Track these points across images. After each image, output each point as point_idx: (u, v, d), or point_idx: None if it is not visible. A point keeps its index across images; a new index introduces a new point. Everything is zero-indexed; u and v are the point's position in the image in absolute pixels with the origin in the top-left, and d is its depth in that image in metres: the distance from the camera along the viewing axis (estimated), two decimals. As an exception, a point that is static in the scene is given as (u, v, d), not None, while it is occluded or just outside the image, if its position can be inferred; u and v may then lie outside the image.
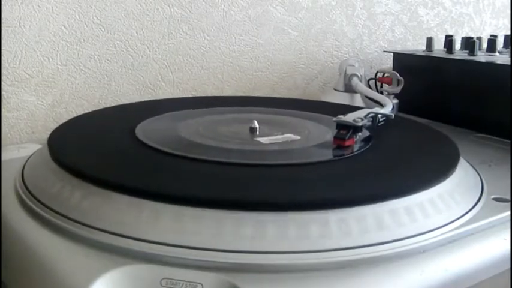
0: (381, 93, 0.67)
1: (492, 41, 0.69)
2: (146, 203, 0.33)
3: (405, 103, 0.68)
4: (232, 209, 0.32)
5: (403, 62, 0.72)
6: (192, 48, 0.70)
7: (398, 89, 0.65)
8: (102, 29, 0.63)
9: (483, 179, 0.43)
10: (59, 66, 0.62)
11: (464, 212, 0.37)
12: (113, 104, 0.65)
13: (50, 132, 0.46)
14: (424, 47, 0.74)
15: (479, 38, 0.69)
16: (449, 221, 0.35)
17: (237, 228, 0.31)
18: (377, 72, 0.76)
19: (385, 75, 0.70)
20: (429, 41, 0.73)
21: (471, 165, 0.46)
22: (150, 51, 0.67)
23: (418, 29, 0.93)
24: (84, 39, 0.62)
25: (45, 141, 0.44)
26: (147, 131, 0.47)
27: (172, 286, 0.28)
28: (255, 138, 0.47)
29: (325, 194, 0.35)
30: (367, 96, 0.67)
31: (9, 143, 0.59)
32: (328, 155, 0.43)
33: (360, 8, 0.84)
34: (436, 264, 0.32)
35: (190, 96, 0.71)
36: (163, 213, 0.32)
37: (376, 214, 0.33)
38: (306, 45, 0.80)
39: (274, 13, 0.76)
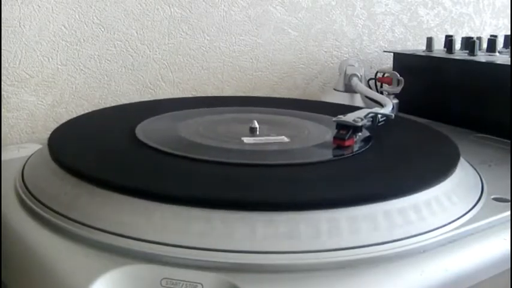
0: (381, 93, 0.67)
1: (492, 41, 0.69)
2: (146, 203, 0.33)
3: (405, 103, 0.68)
4: (232, 209, 0.32)
5: (403, 62, 0.72)
6: (192, 48, 0.70)
7: (398, 89, 0.65)
8: (102, 29, 0.63)
9: (483, 179, 0.43)
10: (59, 66, 0.62)
11: (464, 212, 0.37)
12: (113, 104, 0.65)
13: (50, 132, 0.46)
14: (424, 47, 0.74)
15: (479, 38, 0.69)
16: (449, 221, 0.35)
17: (237, 228, 0.31)
18: (377, 72, 0.76)
19: (385, 75, 0.70)
20: (429, 41, 0.73)
21: (471, 165, 0.46)
22: (150, 51, 0.67)
23: (418, 29, 0.93)
24: (84, 39, 0.62)
25: (45, 141, 0.44)
26: (147, 131, 0.47)
27: (172, 286, 0.28)
28: (241, 138, 0.46)
29: (325, 194, 0.35)
30: (367, 96, 0.67)
31: (9, 143, 0.59)
32: (328, 155, 0.43)
33: (360, 8, 0.84)
34: (436, 264, 0.32)
35: (190, 96, 0.71)
36: (163, 213, 0.32)
37: (376, 214, 0.33)
38: (306, 45, 0.80)
39: (274, 13, 0.76)
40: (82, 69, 0.63)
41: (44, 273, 0.31)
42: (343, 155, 0.43)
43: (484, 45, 0.70)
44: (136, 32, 0.66)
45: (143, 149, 0.42)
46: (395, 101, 0.66)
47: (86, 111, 0.59)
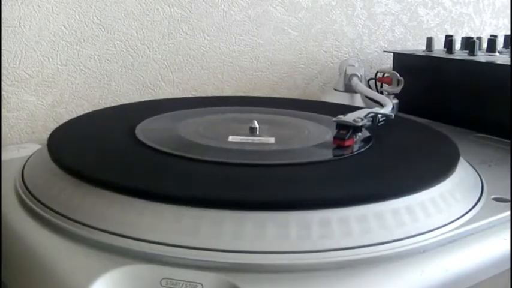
0: (381, 93, 0.67)
1: (492, 41, 0.69)
2: (146, 203, 0.33)
3: (405, 103, 0.68)
4: (232, 209, 0.32)
5: (403, 62, 0.72)
6: (192, 48, 0.70)
7: (398, 89, 0.65)
8: (102, 29, 0.63)
9: (483, 179, 0.43)
10: (59, 66, 0.62)
11: (464, 212, 0.37)
12: (113, 104, 0.65)
13: (50, 132, 0.46)
14: (424, 47, 0.74)
15: (479, 38, 0.69)
16: (449, 221, 0.35)
17: (237, 228, 0.31)
18: (377, 72, 0.76)
19: (385, 75, 0.70)
20: (429, 41, 0.73)
21: (471, 165, 0.46)
22: (150, 51, 0.67)
23: (418, 29, 0.93)
24: (84, 39, 0.62)
25: (45, 141, 0.44)
26: (147, 131, 0.47)
27: (172, 286, 0.28)
28: (227, 137, 0.46)
29: (325, 194, 0.35)
30: (367, 96, 0.67)
31: (9, 143, 0.59)
32: (328, 155, 0.43)
33: (360, 8, 0.84)
34: (436, 264, 0.32)
35: (190, 96, 0.71)
36: (163, 213, 0.32)
37: (376, 214, 0.33)
38: (306, 45, 0.80)
39: (274, 13, 0.76)
40: (82, 69, 0.63)
41: (44, 273, 0.31)
42: (343, 155, 0.43)
43: (484, 45, 0.70)
44: (136, 32, 0.66)
45: (143, 149, 0.42)
46: (395, 101, 0.66)
47: (86, 111, 0.59)
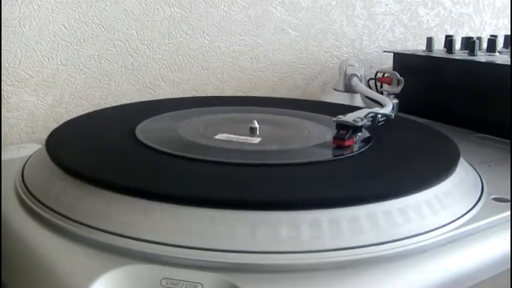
0: (381, 93, 0.67)
1: (492, 41, 0.69)
2: (146, 203, 0.33)
3: (405, 103, 0.68)
4: (232, 209, 0.32)
5: (403, 62, 0.72)
6: (192, 48, 0.70)
7: (398, 89, 0.65)
8: (102, 29, 0.63)
9: (483, 179, 0.43)
10: (59, 66, 0.62)
11: (464, 212, 0.37)
12: (113, 104, 0.65)
13: (50, 132, 0.46)
14: (424, 47, 0.74)
15: (479, 38, 0.69)
16: (449, 221, 0.35)
17: (237, 228, 0.31)
18: (377, 72, 0.76)
19: (385, 75, 0.70)
20: (429, 41, 0.73)
21: (471, 165, 0.46)
22: (150, 51, 0.67)
23: (418, 29, 0.93)
24: (84, 39, 0.62)
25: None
26: (147, 131, 0.47)
27: (172, 286, 0.28)
28: (214, 135, 0.47)
29: (325, 194, 0.35)
30: (367, 96, 0.67)
31: (9, 143, 0.59)
32: (328, 155, 0.43)
33: (360, 8, 0.84)
34: (436, 264, 0.32)
35: (190, 96, 0.71)
36: (163, 213, 0.32)
37: (376, 214, 0.33)
38: (306, 45, 0.80)
39: (274, 13, 0.76)
40: (82, 69, 0.63)
41: (44, 273, 0.31)
42: (343, 155, 0.43)
43: (484, 45, 0.70)
44: (136, 32, 0.66)
45: (143, 149, 0.42)
46: (395, 101, 0.66)
47: (86, 111, 0.59)
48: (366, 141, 0.46)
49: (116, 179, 0.35)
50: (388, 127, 0.50)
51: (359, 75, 0.70)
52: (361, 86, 0.68)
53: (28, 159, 0.45)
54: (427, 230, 0.33)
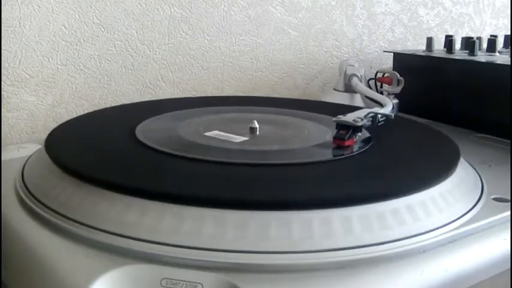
0: (381, 93, 0.67)
1: (492, 41, 0.69)
2: (146, 203, 0.33)
3: (405, 103, 0.68)
4: (232, 209, 0.32)
5: (403, 62, 0.72)
6: (192, 48, 0.70)
7: (398, 89, 0.65)
8: (102, 29, 0.63)
9: (483, 179, 0.43)
10: (59, 66, 0.62)
11: (464, 212, 0.37)
12: (113, 104, 0.65)
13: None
14: (424, 47, 0.74)
15: (479, 38, 0.69)
16: (449, 221, 0.35)
17: (237, 228, 0.31)
18: (377, 72, 0.76)
19: (385, 75, 0.70)
20: (429, 41, 0.73)
21: (471, 165, 0.46)
22: (150, 51, 0.67)
23: (418, 29, 0.93)
24: (84, 39, 0.62)
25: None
26: (147, 131, 0.47)
27: (172, 286, 0.28)
28: (204, 133, 0.47)
29: (325, 194, 0.35)
30: (367, 96, 0.67)
31: (9, 143, 0.59)
32: (328, 155, 0.43)
33: (360, 8, 0.84)
34: (436, 264, 0.32)
35: (190, 96, 0.71)
36: (163, 213, 0.32)
37: (376, 214, 0.33)
38: (306, 45, 0.80)
39: (274, 13, 0.76)
40: (82, 69, 0.63)
41: (44, 273, 0.31)
42: (343, 155, 0.43)
43: (484, 45, 0.70)
44: (136, 32, 0.66)
45: (143, 149, 0.42)
46: (395, 101, 0.66)
47: (86, 111, 0.59)
48: (366, 141, 0.46)
49: (116, 179, 0.35)
50: (388, 127, 0.50)
51: (359, 75, 0.70)
52: (361, 86, 0.68)
53: (28, 159, 0.45)
54: (427, 230, 0.33)
